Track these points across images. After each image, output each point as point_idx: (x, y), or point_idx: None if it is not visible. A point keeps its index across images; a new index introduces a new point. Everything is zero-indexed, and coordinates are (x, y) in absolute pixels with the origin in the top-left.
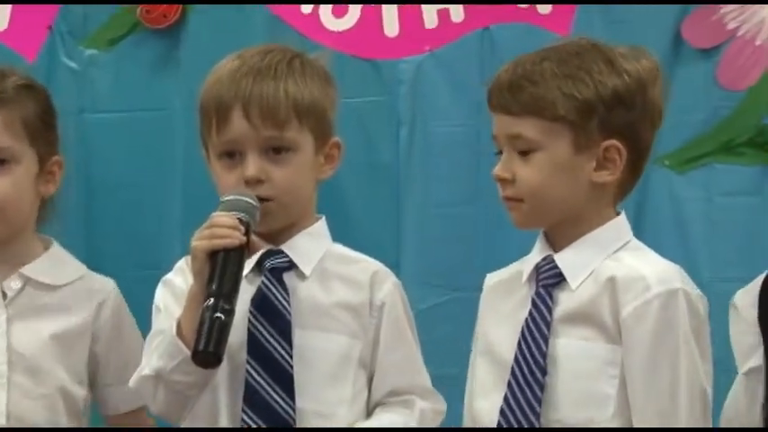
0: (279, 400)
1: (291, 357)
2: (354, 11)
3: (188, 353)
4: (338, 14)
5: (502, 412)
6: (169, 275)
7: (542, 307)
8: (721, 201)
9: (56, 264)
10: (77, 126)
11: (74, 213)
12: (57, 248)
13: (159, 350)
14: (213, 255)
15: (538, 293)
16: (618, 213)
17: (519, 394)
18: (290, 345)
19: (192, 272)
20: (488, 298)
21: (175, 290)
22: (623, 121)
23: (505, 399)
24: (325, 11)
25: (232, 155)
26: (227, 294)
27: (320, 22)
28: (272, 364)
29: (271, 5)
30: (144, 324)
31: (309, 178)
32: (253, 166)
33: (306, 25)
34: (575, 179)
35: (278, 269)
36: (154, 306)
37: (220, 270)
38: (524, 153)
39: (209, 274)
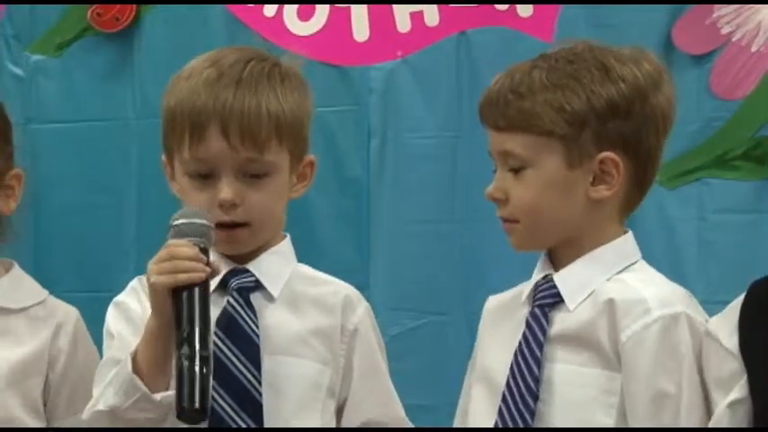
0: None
1: (260, 384)
2: (321, 13)
3: (146, 390)
4: (304, 17)
5: None
6: (121, 297)
7: (536, 328)
8: (715, 219)
9: (17, 287)
10: (23, 137)
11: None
12: (17, 271)
13: (114, 386)
14: (176, 291)
15: (532, 314)
16: (625, 231)
17: (509, 421)
18: (259, 370)
19: (151, 307)
20: (487, 321)
21: (129, 313)
22: (620, 132)
23: (495, 426)
24: (290, 13)
25: (204, 175)
26: (202, 339)
27: (284, 26)
28: (240, 391)
29: (232, 8)
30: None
31: (284, 200)
32: (229, 189)
33: (269, 29)
34: (570, 196)
35: (245, 289)
36: (105, 331)
37: (188, 311)
38: (516, 171)
39: (176, 315)
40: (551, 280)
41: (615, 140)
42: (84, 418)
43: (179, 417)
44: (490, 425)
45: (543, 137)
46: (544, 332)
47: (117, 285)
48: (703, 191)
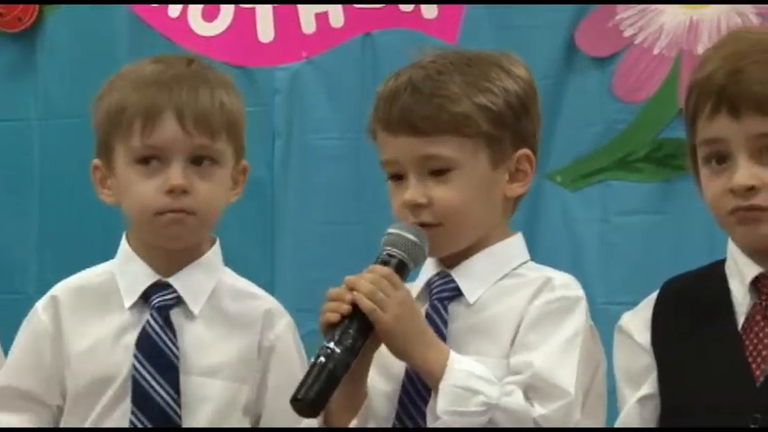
0: None
1: (179, 406)
2: (226, 14)
3: None
4: (208, 18)
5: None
6: (38, 303)
7: (437, 320)
8: (617, 220)
9: None
10: None
11: None
12: None
13: None
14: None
15: (432, 306)
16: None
17: (412, 410)
18: (178, 392)
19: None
20: None
21: (36, 329)
22: (528, 129)
23: (397, 415)
24: (195, 14)
25: (149, 161)
26: (347, 350)
27: (189, 27)
28: (157, 412)
29: (136, 8)
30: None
31: (225, 197)
32: (179, 174)
33: (173, 29)
34: (492, 196)
35: (164, 307)
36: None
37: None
38: (438, 173)
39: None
40: (447, 275)
41: (526, 138)
42: None
43: (291, 402)
44: (390, 412)
45: (473, 138)
46: (446, 324)
47: (17, 287)
48: (606, 192)
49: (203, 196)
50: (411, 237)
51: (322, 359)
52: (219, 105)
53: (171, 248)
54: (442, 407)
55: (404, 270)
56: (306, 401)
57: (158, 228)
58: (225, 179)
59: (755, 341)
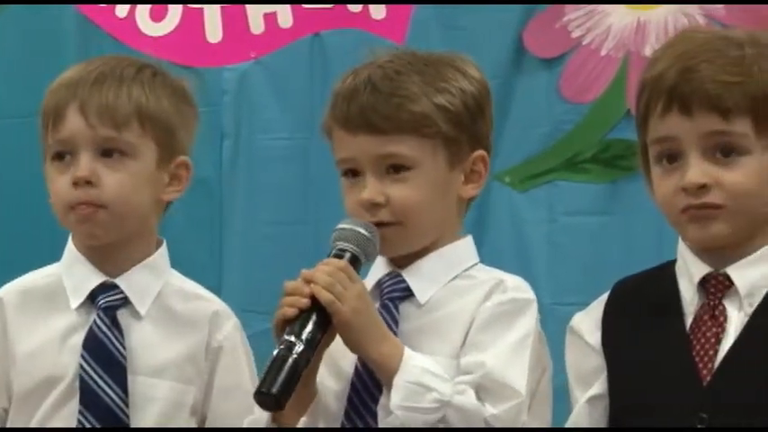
0: None
1: (127, 406)
2: (174, 14)
3: None
4: (156, 18)
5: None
6: None
7: (389, 319)
8: (565, 221)
9: None
10: None
11: None
12: None
13: None
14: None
15: (384, 306)
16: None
17: (360, 407)
18: (126, 392)
19: None
20: None
21: None
22: (482, 130)
23: (346, 413)
24: (142, 14)
25: (63, 156)
26: (307, 343)
27: (137, 27)
28: (105, 412)
29: (83, 8)
30: None
31: (146, 192)
32: (84, 166)
33: (121, 30)
34: (448, 196)
35: (111, 308)
36: None
37: (306, 322)
38: (395, 172)
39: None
40: (398, 275)
41: (480, 139)
42: None
43: (255, 395)
44: (340, 410)
45: (432, 139)
46: (396, 323)
47: None
48: (553, 193)
49: (112, 188)
50: (362, 231)
51: (284, 352)
52: (127, 98)
53: (94, 246)
54: (396, 402)
55: (356, 264)
56: (270, 394)
57: (72, 225)
58: (141, 172)
59: (703, 341)
